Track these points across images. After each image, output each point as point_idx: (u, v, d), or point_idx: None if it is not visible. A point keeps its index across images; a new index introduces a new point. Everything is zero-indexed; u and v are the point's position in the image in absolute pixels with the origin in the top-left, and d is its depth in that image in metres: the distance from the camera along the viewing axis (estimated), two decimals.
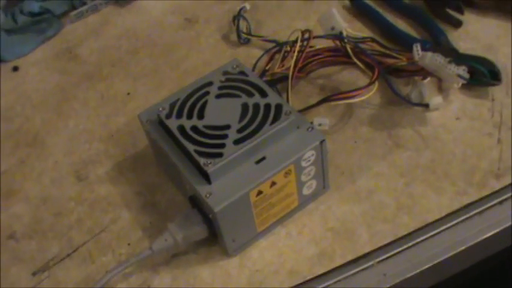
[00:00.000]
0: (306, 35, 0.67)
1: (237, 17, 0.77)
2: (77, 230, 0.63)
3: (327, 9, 0.70)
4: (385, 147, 0.65)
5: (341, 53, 0.72)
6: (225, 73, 0.62)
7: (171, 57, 0.78)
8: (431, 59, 0.62)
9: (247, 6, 0.79)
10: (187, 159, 0.57)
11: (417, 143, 0.65)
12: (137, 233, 0.62)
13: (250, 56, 0.75)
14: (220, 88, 0.60)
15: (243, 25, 0.77)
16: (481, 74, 0.66)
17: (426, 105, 0.66)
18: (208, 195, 0.54)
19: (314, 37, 0.68)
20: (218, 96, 0.60)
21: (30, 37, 0.84)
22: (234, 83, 0.61)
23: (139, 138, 0.69)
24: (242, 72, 0.62)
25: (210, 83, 0.61)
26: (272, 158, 0.56)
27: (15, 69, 0.81)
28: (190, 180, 0.55)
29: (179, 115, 0.59)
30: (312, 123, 0.58)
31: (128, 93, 0.75)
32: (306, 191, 0.60)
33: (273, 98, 0.58)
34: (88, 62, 0.80)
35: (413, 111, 0.67)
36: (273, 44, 0.73)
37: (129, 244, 0.61)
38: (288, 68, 0.69)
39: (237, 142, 0.55)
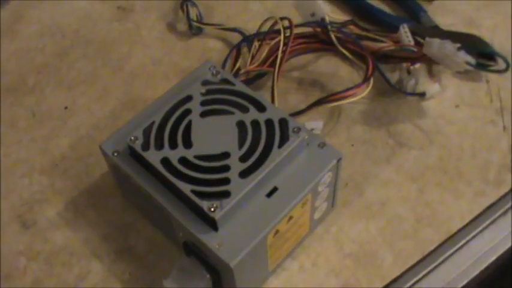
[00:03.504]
0: (286, 24, 0.57)
1: (185, 2, 0.65)
2: None
3: None
4: (387, 148, 0.57)
5: (314, 39, 0.62)
6: (205, 83, 0.50)
7: (109, 57, 0.65)
8: (439, 48, 0.54)
9: None
10: (179, 201, 0.45)
11: (420, 139, 0.57)
12: None
13: (206, 49, 0.64)
14: (203, 103, 0.49)
15: (191, 12, 0.65)
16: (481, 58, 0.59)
17: (422, 94, 0.58)
18: (218, 246, 0.43)
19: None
20: (203, 115, 0.48)
21: None
22: (219, 96, 0.49)
23: (91, 164, 0.57)
24: (225, 80, 0.51)
25: (188, 98, 0.49)
26: (285, 188, 0.46)
27: None
28: (188, 227, 0.44)
29: (159, 145, 0.47)
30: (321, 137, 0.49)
31: (66, 107, 0.61)
32: (317, 215, 0.51)
33: (273, 112, 0.48)
34: (6, 70, 0.65)
35: (407, 101, 0.60)
36: (231, 33, 0.63)
37: None
38: (262, 65, 0.58)
39: (243, 174, 0.45)
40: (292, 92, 0.61)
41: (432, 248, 0.52)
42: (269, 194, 0.45)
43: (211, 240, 0.43)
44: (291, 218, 0.46)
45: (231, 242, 0.43)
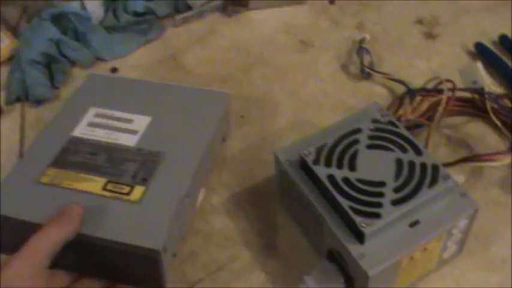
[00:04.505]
0: (449, 85, 0.64)
1: (361, 49, 0.74)
2: (190, 264, 0.60)
3: (470, 63, 0.67)
4: None
5: (470, 104, 0.69)
6: (374, 121, 0.59)
7: (286, 81, 0.75)
8: None
9: (368, 37, 0.76)
10: (334, 212, 0.54)
11: None
12: (259, 277, 0.59)
13: (372, 93, 0.72)
14: (370, 138, 0.57)
15: (365, 58, 0.74)
16: None
17: None
18: (361, 256, 0.51)
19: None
20: (369, 147, 0.56)
21: (130, 37, 0.80)
22: (384, 134, 0.57)
23: (257, 169, 0.66)
24: (391, 123, 0.59)
25: (358, 130, 0.58)
26: (426, 223, 0.53)
27: (114, 70, 0.77)
28: (339, 236, 0.52)
29: (328, 163, 0.55)
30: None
31: (242, 116, 0.71)
32: (446, 255, 0.57)
33: (427, 157, 0.55)
34: (194, 73, 0.76)
35: None
36: (395, 84, 0.71)
37: None
38: (420, 116, 0.66)
39: (394, 203, 0.52)
40: (441, 146, 0.67)
41: None
42: (411, 225, 0.52)
43: (355, 250, 0.51)
44: (425, 249, 0.53)
45: (372, 255, 0.51)
